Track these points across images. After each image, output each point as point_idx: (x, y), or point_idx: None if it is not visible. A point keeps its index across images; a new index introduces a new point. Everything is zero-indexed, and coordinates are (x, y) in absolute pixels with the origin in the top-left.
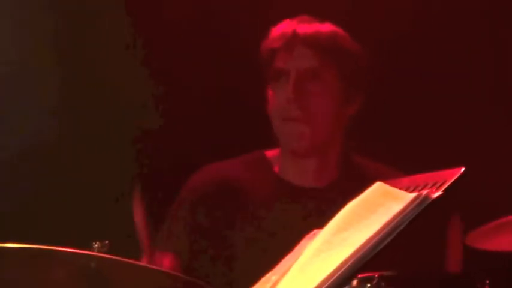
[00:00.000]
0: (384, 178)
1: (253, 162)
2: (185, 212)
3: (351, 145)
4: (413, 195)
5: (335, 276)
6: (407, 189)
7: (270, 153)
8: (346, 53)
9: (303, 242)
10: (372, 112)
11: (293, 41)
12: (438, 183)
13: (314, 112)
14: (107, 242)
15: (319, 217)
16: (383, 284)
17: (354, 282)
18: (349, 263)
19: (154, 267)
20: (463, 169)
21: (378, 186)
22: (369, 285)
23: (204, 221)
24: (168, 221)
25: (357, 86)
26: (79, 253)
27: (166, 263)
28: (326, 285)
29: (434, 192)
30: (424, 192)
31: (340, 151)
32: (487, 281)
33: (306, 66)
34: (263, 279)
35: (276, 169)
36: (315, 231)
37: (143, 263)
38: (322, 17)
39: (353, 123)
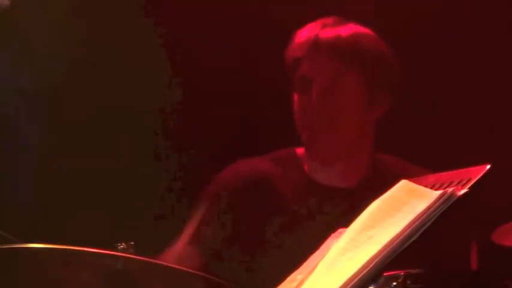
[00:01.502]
0: (410, 176)
1: (284, 160)
2: (216, 208)
3: (384, 146)
4: (438, 192)
5: (361, 275)
6: (432, 187)
7: (300, 151)
8: (370, 55)
9: (328, 240)
10: (399, 110)
11: (315, 49)
12: (464, 181)
13: (339, 118)
14: (132, 242)
15: (347, 215)
16: (409, 282)
17: (381, 280)
18: (375, 261)
19: (180, 267)
20: (488, 166)
21: (403, 184)
22: (395, 283)
23: (234, 218)
24: (195, 217)
25: (383, 86)
26: (105, 253)
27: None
28: (352, 283)
29: (459, 190)
30: (450, 189)
31: (369, 153)
32: None
33: (329, 72)
34: (289, 278)
35: (306, 168)
36: (341, 229)
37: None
38: (347, 17)
39: (386, 124)
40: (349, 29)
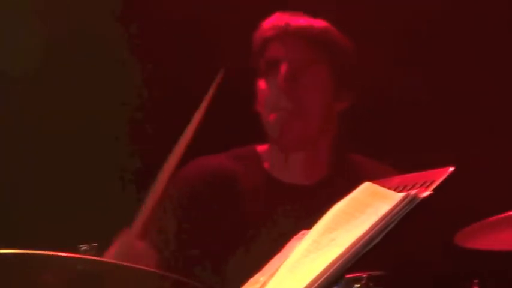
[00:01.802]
0: (379, 177)
1: (244, 157)
2: (174, 205)
3: (346, 144)
4: (402, 194)
5: (323, 277)
6: (396, 189)
7: (261, 148)
8: (339, 49)
9: (291, 242)
10: (367, 111)
11: (286, 31)
12: (427, 183)
13: (304, 104)
14: (95, 244)
15: (308, 214)
16: (371, 284)
17: (343, 282)
18: (338, 263)
19: (141, 267)
20: (451, 169)
21: (366, 186)
22: (357, 285)
23: (192, 216)
24: (151, 214)
25: (348, 83)
26: (67, 256)
27: (140, 245)
28: (314, 286)
29: (423, 192)
30: (413, 192)
31: (330, 148)
32: (476, 281)
33: (299, 56)
34: (251, 280)
35: (266, 165)
36: (303, 231)
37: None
38: (313, 15)
39: (349, 122)
40: (321, 22)
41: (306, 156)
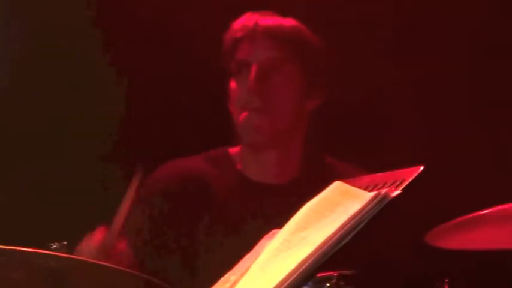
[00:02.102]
0: (347, 176)
1: (216, 159)
2: (147, 207)
3: (318, 144)
4: (372, 194)
5: (294, 276)
6: (366, 188)
7: (233, 150)
8: (309, 48)
9: (262, 241)
10: (338, 112)
11: (255, 31)
12: (397, 182)
13: (274, 103)
14: (65, 242)
15: (280, 214)
16: (342, 283)
17: (314, 281)
18: (308, 262)
19: (112, 265)
20: (421, 168)
21: (336, 185)
22: (328, 284)
23: (166, 218)
24: (124, 216)
25: (318, 81)
26: (38, 253)
27: (121, 246)
28: (285, 284)
29: (393, 191)
30: (383, 191)
31: (301, 148)
32: (446, 280)
33: (268, 56)
34: (222, 279)
35: (239, 166)
36: (274, 230)
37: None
38: (283, 14)
39: (320, 122)
40: (291, 21)
41: (277, 155)
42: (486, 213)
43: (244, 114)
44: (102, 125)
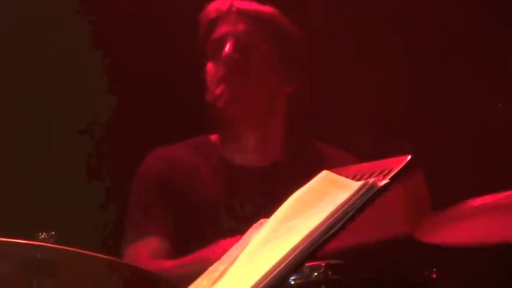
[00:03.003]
0: (338, 162)
1: (198, 146)
2: (147, 198)
3: (303, 128)
4: (359, 183)
5: (282, 265)
6: (354, 178)
7: (214, 137)
8: (286, 33)
9: (250, 231)
10: (324, 96)
11: (230, 12)
12: (385, 171)
13: (251, 77)
14: (53, 232)
15: (262, 196)
16: (330, 272)
17: (302, 270)
18: (296, 251)
19: (99, 255)
20: (409, 157)
21: (324, 174)
22: (316, 273)
23: (157, 208)
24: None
25: (294, 65)
26: (25, 244)
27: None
28: (273, 274)
29: (380, 181)
30: (371, 180)
31: (282, 131)
32: (434, 269)
33: (245, 31)
34: (210, 268)
35: (220, 150)
36: (262, 220)
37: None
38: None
39: (307, 107)
40: (268, 7)
41: (257, 138)
42: (476, 205)
43: (221, 86)
44: (89, 116)
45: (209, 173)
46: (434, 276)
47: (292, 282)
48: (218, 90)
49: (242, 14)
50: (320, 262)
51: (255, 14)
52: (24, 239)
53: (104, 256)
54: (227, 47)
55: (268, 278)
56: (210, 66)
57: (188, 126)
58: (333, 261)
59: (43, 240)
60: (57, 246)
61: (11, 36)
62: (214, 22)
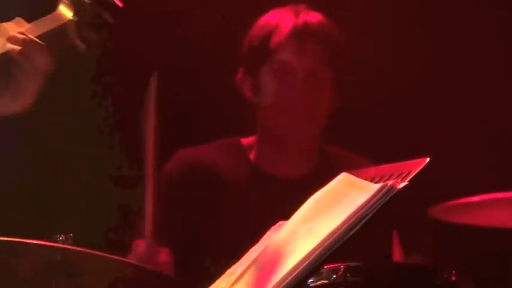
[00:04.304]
0: (355, 168)
1: (228, 148)
2: (165, 200)
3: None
4: (378, 185)
5: (301, 267)
6: (372, 180)
7: (245, 141)
8: (339, 46)
9: (268, 232)
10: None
11: (304, 34)
12: (403, 174)
13: (316, 109)
14: (71, 234)
15: (292, 205)
16: (349, 275)
17: (321, 272)
18: (315, 254)
19: (116, 257)
20: (427, 160)
21: (343, 176)
22: (334, 276)
23: (181, 206)
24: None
25: (343, 76)
26: (44, 245)
27: (163, 257)
28: (292, 276)
29: (399, 183)
30: (390, 182)
31: (318, 143)
32: (453, 271)
33: (314, 64)
34: (229, 270)
35: (251, 156)
36: (281, 222)
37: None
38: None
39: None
40: (320, 16)
41: (300, 154)
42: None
43: (288, 118)
44: (110, 120)
45: (234, 177)
46: (454, 278)
47: (312, 285)
48: (280, 119)
49: (313, 36)
50: (339, 264)
51: (322, 31)
52: (43, 240)
53: (121, 258)
54: (296, 85)
55: (287, 280)
56: (265, 82)
57: (220, 127)
58: (351, 263)
59: (61, 242)
60: (77, 248)
61: None
62: (283, 42)
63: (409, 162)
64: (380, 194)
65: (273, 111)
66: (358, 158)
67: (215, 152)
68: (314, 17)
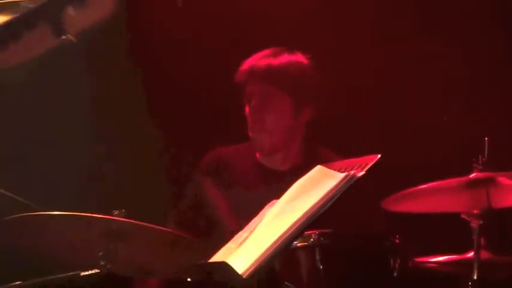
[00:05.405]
0: (330, 162)
1: (243, 149)
2: (192, 186)
3: (313, 139)
4: (343, 174)
5: (289, 233)
6: (339, 170)
7: None
8: (296, 79)
9: (266, 207)
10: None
11: (252, 76)
12: (362, 165)
13: (271, 125)
14: (123, 210)
15: (282, 190)
16: (322, 238)
17: (302, 236)
18: (299, 223)
19: (161, 228)
20: (379, 156)
21: (318, 168)
22: (312, 239)
23: (203, 191)
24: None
25: (307, 102)
26: (104, 218)
27: None
28: (283, 238)
29: (359, 172)
30: (352, 172)
31: (300, 145)
32: (397, 236)
33: (262, 94)
34: (236, 236)
35: (257, 155)
36: (274, 201)
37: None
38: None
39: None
40: (282, 59)
41: (283, 153)
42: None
43: (251, 133)
44: (159, 118)
45: (243, 170)
46: (397, 241)
47: (296, 246)
48: (251, 136)
49: (259, 74)
50: (315, 231)
51: (269, 70)
52: (102, 214)
53: (162, 228)
54: (252, 106)
55: (279, 242)
56: (246, 110)
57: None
58: (324, 230)
59: (116, 215)
60: (127, 219)
61: None
62: (245, 82)
63: (366, 157)
64: (345, 181)
65: (249, 130)
66: (332, 154)
67: (235, 151)
68: (283, 58)
